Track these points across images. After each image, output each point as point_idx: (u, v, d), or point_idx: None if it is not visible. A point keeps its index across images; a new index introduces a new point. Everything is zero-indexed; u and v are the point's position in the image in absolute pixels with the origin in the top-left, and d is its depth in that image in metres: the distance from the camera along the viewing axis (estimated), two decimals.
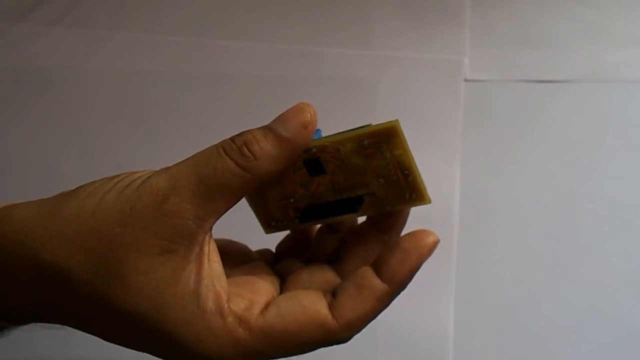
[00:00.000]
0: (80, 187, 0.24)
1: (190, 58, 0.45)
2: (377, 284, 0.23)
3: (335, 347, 0.39)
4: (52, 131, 0.45)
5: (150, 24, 0.45)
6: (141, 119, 0.45)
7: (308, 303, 0.23)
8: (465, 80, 0.45)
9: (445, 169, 0.44)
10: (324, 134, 0.26)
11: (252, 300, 0.23)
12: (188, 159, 0.23)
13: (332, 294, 0.24)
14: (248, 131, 0.23)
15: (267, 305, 0.23)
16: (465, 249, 0.44)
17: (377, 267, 0.24)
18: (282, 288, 0.26)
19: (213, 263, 0.23)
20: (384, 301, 0.23)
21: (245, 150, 0.23)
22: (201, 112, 0.45)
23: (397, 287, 0.23)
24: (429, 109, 0.45)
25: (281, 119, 0.24)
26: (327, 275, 0.26)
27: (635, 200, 0.44)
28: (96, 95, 0.45)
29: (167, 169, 0.23)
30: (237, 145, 0.23)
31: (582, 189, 0.44)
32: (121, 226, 0.22)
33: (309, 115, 0.24)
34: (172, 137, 0.45)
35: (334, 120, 0.41)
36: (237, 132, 0.24)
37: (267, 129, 0.23)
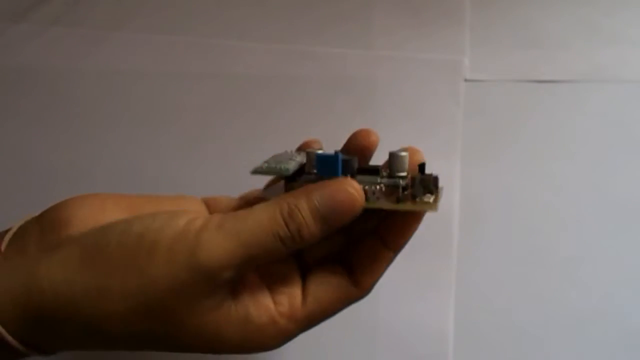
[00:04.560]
0: (111, 247, 0.24)
1: (190, 58, 0.45)
2: (387, 254, 0.28)
3: (334, 346, 0.40)
4: (51, 131, 0.45)
5: (150, 24, 0.45)
6: (141, 118, 0.45)
7: (337, 285, 0.27)
8: (465, 80, 0.45)
9: (445, 168, 0.44)
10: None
11: (290, 293, 0.27)
12: (238, 233, 0.24)
13: (349, 267, 0.28)
14: (300, 213, 0.25)
15: (304, 296, 0.27)
16: (465, 249, 0.44)
17: (384, 240, 0.28)
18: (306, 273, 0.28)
19: (253, 285, 0.26)
20: (391, 263, 0.28)
21: (297, 236, 0.25)
22: (201, 112, 0.45)
23: (400, 250, 0.28)
24: (428, 108, 0.44)
25: (332, 205, 0.25)
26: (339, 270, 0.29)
27: (635, 199, 0.44)
28: (96, 95, 0.45)
29: (217, 242, 0.24)
30: (290, 231, 0.24)
31: (582, 188, 0.44)
32: (173, 298, 0.24)
33: (359, 206, 0.25)
34: (172, 137, 0.45)
35: (333, 120, 0.41)
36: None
37: (319, 216, 0.25)
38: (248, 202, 0.31)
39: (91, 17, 0.45)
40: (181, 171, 0.43)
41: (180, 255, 0.23)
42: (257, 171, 0.27)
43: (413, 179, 0.27)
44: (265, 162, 0.28)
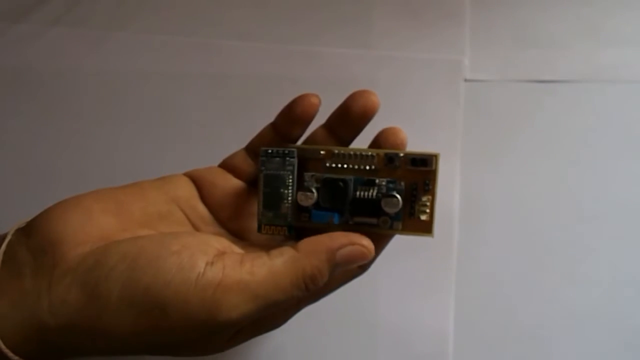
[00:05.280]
0: (114, 296, 0.24)
1: (190, 58, 0.45)
2: (386, 233, 0.29)
3: (334, 346, 0.40)
4: (51, 131, 0.45)
5: (150, 24, 0.45)
6: (141, 119, 0.45)
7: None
8: (465, 80, 0.45)
9: (445, 168, 0.44)
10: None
11: None
12: (257, 297, 0.25)
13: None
14: (321, 277, 0.26)
15: None
16: (465, 249, 0.44)
17: None
18: None
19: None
20: (389, 241, 0.30)
21: (311, 290, 0.26)
22: (201, 112, 0.45)
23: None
24: (428, 108, 0.45)
25: (348, 262, 0.26)
26: None
27: (635, 199, 0.44)
28: (96, 95, 0.45)
29: (236, 303, 0.24)
30: (308, 291, 0.26)
31: (582, 188, 0.44)
32: (189, 341, 0.24)
33: (369, 259, 0.27)
34: (172, 137, 0.45)
35: None
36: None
37: (334, 267, 0.26)
38: (233, 169, 0.32)
39: (91, 17, 0.45)
40: (181, 171, 0.43)
41: (198, 313, 0.24)
42: (263, 232, 0.30)
43: (404, 201, 0.28)
44: (263, 214, 0.29)
